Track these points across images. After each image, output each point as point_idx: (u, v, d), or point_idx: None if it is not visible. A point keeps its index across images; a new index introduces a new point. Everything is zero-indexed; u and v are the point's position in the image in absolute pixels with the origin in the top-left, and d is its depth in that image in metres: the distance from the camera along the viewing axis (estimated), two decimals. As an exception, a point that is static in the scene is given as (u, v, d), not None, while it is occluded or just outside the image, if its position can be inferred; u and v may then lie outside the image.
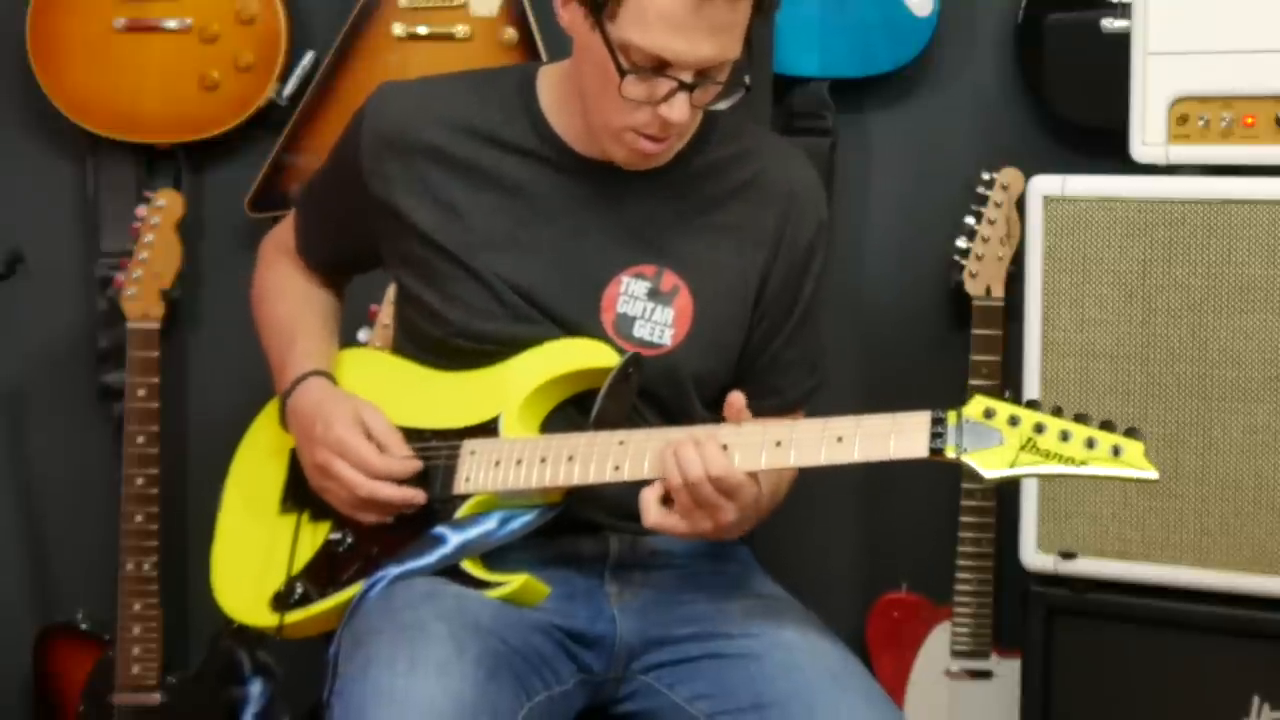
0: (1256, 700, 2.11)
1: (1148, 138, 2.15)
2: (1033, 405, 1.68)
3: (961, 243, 2.61)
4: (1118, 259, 2.13)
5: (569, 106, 1.94)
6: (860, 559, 2.82)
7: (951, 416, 1.68)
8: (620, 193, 1.94)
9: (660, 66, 1.79)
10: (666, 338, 1.93)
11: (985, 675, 2.63)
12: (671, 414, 1.93)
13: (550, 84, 1.97)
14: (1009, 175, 2.57)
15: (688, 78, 1.80)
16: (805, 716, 1.74)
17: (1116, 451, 1.65)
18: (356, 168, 1.98)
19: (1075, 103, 2.57)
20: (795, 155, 2.07)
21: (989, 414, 1.67)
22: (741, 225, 1.96)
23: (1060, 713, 2.21)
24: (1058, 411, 1.68)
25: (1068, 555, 2.18)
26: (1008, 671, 2.57)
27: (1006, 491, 2.47)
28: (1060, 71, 2.58)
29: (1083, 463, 1.65)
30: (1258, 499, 2.09)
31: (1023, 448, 1.66)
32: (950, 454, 1.67)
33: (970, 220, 2.60)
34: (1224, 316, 2.09)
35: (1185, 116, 2.13)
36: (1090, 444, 1.65)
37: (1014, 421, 1.67)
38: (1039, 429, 1.66)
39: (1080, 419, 1.66)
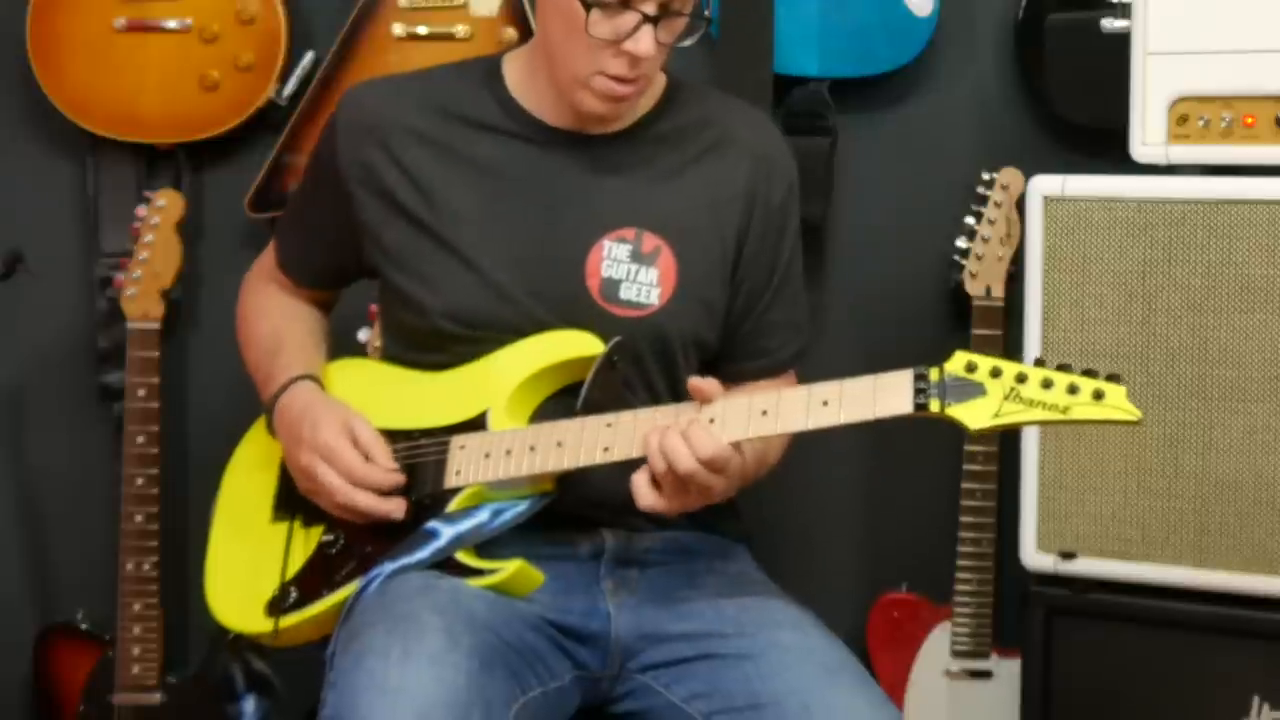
0: (1256, 700, 2.11)
1: (1148, 138, 2.15)
2: (1014, 360, 1.70)
3: (961, 243, 2.61)
4: (1118, 259, 2.13)
5: (535, 81, 1.98)
6: (860, 559, 2.82)
7: (934, 373, 1.71)
8: (592, 161, 1.97)
9: (623, 0, 1.83)
10: (654, 297, 1.95)
11: (985, 675, 2.63)
12: (664, 379, 1.96)
13: (515, 66, 2.02)
14: (1009, 175, 2.57)
15: (651, 10, 1.85)
16: (801, 715, 1.74)
17: (1099, 396, 1.66)
18: (334, 168, 2.00)
19: (1075, 103, 2.57)
20: (761, 118, 2.12)
21: (971, 368, 1.69)
22: (714, 185, 2.00)
23: (1060, 713, 2.21)
24: (1039, 362, 1.70)
25: (1068, 555, 2.18)
26: (1008, 671, 2.57)
27: (1006, 491, 2.47)
28: (1060, 71, 2.58)
29: (1066, 409, 1.66)
30: (1258, 499, 2.09)
31: (1006, 398, 1.68)
32: (934, 408, 1.69)
33: (970, 220, 2.60)
34: (1224, 316, 2.09)
35: (1185, 116, 2.13)
36: (1072, 390, 1.67)
37: (996, 373, 1.69)
38: (1021, 379, 1.68)
39: (1063, 368, 1.68)
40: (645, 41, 1.85)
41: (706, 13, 1.90)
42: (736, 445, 1.77)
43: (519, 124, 1.98)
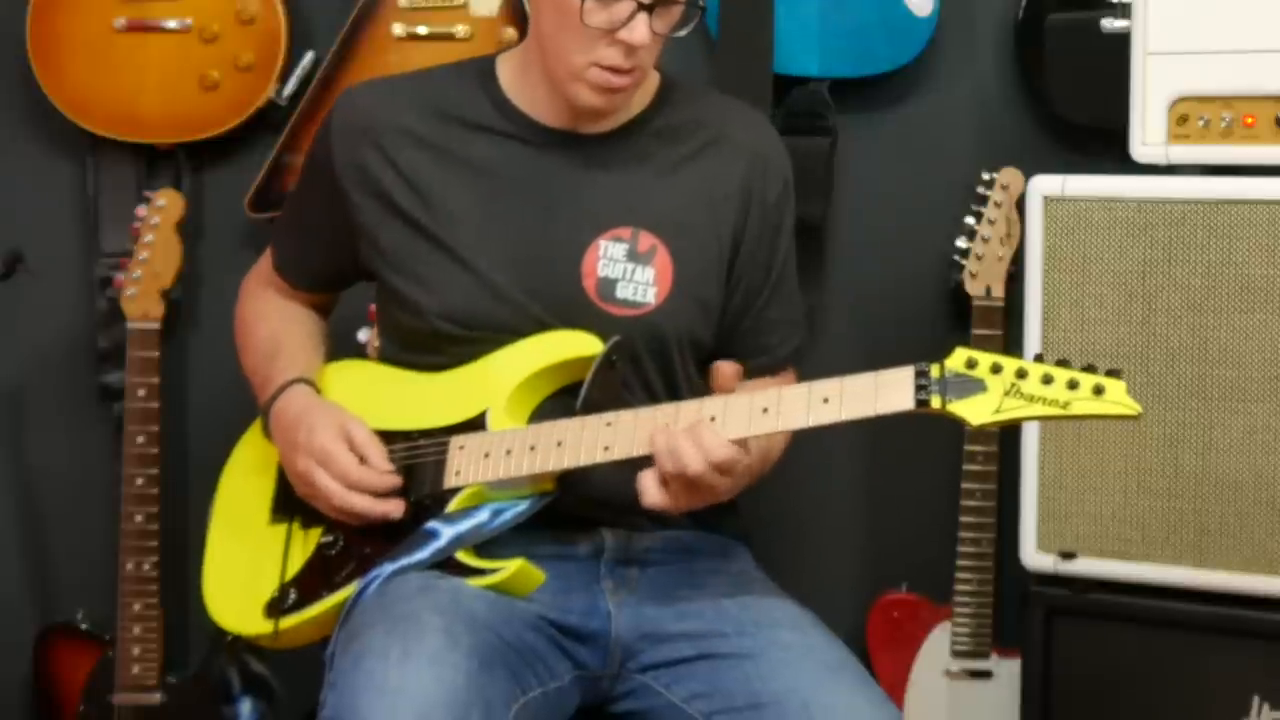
0: (1256, 700, 2.11)
1: (1148, 138, 2.15)
2: (1013, 357, 1.71)
3: (961, 243, 2.61)
4: (1118, 259, 2.13)
5: (529, 80, 1.98)
6: (860, 559, 2.82)
7: (935, 369, 1.72)
8: (586, 160, 1.98)
9: None
10: (650, 296, 1.95)
11: (985, 675, 2.63)
12: (660, 378, 1.96)
13: (509, 67, 2.03)
14: (1009, 175, 2.57)
15: None
16: (801, 714, 1.75)
17: (1099, 391, 1.67)
18: (329, 170, 2.00)
19: (1075, 103, 2.57)
20: (755, 116, 2.12)
21: (971, 364, 1.70)
22: (709, 183, 2.00)
23: (1060, 713, 2.21)
24: (1039, 358, 1.70)
25: (1068, 555, 2.18)
26: (1008, 671, 2.57)
27: (1006, 491, 2.47)
28: (1060, 71, 2.58)
29: (1066, 404, 1.67)
30: (1258, 499, 2.09)
31: (1007, 394, 1.69)
32: (935, 405, 1.70)
33: (970, 220, 2.60)
34: (1224, 316, 2.09)
35: (1185, 116, 2.13)
36: (1072, 385, 1.67)
37: (996, 369, 1.70)
38: (1021, 375, 1.69)
39: (1062, 364, 1.69)
40: (640, 30, 1.85)
41: (701, 2, 1.90)
42: (744, 444, 1.77)
43: (514, 124, 1.99)
